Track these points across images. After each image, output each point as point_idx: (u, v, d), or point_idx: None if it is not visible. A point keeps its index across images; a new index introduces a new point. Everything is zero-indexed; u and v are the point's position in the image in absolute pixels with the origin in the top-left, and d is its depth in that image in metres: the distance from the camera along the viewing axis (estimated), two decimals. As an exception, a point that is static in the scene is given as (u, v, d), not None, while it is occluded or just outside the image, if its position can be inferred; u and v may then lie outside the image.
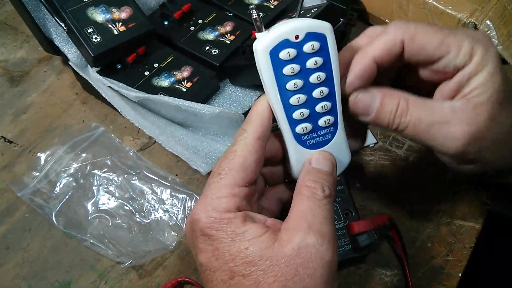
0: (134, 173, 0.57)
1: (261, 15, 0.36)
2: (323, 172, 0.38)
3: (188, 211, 0.55)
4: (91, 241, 0.53)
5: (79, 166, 0.58)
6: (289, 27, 0.36)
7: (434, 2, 0.63)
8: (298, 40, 0.36)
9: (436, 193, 0.57)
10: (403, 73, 0.43)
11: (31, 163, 0.59)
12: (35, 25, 0.61)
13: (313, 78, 0.37)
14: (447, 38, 0.37)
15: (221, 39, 0.64)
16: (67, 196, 0.56)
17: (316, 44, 0.36)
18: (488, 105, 0.37)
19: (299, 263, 0.33)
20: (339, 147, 0.40)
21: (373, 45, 0.39)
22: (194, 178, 0.58)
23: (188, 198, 0.56)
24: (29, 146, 0.61)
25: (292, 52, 0.36)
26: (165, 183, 0.57)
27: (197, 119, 0.57)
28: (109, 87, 0.58)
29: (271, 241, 0.34)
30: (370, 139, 0.61)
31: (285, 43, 0.36)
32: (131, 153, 0.59)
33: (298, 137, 0.39)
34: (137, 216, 0.55)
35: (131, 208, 0.56)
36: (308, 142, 0.39)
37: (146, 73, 0.61)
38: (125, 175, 0.57)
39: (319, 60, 0.37)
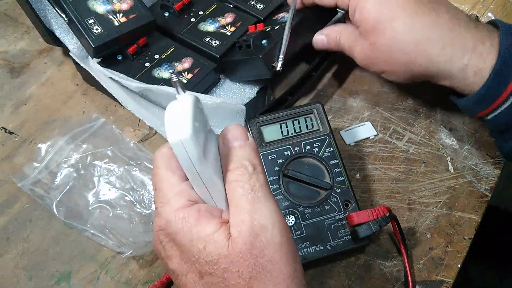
0: (134, 164, 0.58)
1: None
2: (241, 147, 0.36)
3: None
4: (92, 231, 0.53)
5: (80, 157, 0.58)
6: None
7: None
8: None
9: (436, 185, 0.57)
10: None
11: (31, 154, 0.59)
12: (36, 16, 0.61)
13: None
14: None
15: (222, 30, 0.64)
16: (67, 187, 0.56)
17: None
18: (361, 35, 0.55)
19: (256, 254, 0.33)
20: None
21: None
22: (194, 169, 0.58)
23: (188, 189, 0.56)
24: (29, 137, 0.61)
25: None
26: (166, 174, 0.57)
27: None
28: (110, 78, 0.58)
29: (225, 238, 0.34)
30: (371, 131, 0.61)
31: None
32: (132, 144, 0.59)
33: None
34: (138, 206, 0.55)
35: (131, 198, 0.56)
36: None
37: (147, 64, 0.61)
38: (126, 166, 0.57)
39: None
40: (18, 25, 0.71)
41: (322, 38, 0.59)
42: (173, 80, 0.33)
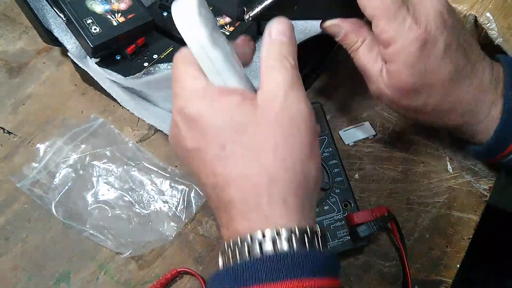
0: (133, 164, 0.57)
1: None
2: (285, 43, 0.38)
3: (188, 202, 0.55)
4: (91, 231, 0.53)
5: (79, 157, 0.58)
6: None
7: (434, -6, 0.63)
8: None
9: (435, 185, 0.57)
10: None
11: (30, 154, 0.59)
12: (34, 16, 0.60)
13: None
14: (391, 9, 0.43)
15: (221, 30, 0.64)
16: (66, 187, 0.56)
17: None
18: (397, 90, 0.46)
19: (285, 122, 0.34)
20: None
21: None
22: (193, 170, 0.58)
23: (187, 189, 0.56)
24: (28, 137, 0.61)
25: None
26: (165, 174, 0.57)
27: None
28: (108, 78, 0.58)
29: (253, 108, 0.35)
30: (370, 131, 0.61)
31: None
32: (131, 144, 0.59)
33: None
34: (137, 207, 0.55)
35: (130, 199, 0.56)
36: None
37: (146, 64, 0.61)
38: (125, 166, 0.57)
39: None
40: (16, 24, 0.71)
41: (338, 29, 0.48)
42: None
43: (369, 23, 0.47)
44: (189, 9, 0.36)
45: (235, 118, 0.35)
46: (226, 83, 0.37)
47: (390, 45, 0.44)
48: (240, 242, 0.33)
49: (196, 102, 0.36)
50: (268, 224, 0.33)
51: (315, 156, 0.36)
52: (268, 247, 0.32)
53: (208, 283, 0.35)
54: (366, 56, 0.48)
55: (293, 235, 0.32)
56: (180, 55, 0.38)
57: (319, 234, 0.34)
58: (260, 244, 0.32)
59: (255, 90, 0.38)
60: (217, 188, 0.35)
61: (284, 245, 0.32)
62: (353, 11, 0.47)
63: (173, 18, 0.36)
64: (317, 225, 0.35)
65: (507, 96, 0.48)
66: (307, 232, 0.33)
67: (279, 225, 0.33)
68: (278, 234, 0.32)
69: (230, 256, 0.33)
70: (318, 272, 0.32)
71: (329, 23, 0.49)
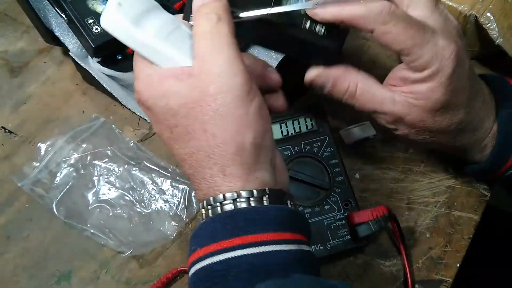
0: (134, 164, 0.58)
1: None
2: (204, 5, 0.38)
3: (188, 201, 0.56)
4: (92, 231, 0.54)
5: (80, 157, 0.58)
6: None
7: (434, -6, 0.63)
8: None
9: (435, 184, 0.57)
10: None
11: (31, 154, 0.59)
12: (36, 15, 0.61)
13: None
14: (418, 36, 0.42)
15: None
16: (67, 186, 0.56)
17: None
18: (425, 111, 0.45)
19: (210, 98, 0.36)
20: None
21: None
22: (194, 169, 0.58)
23: (188, 188, 0.56)
24: (29, 136, 0.61)
25: None
26: (166, 173, 0.57)
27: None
28: (109, 77, 0.59)
29: (188, 87, 0.37)
30: (370, 131, 0.61)
31: None
32: (132, 144, 0.59)
33: None
34: (138, 206, 0.55)
35: (131, 198, 0.56)
36: None
37: (147, 64, 0.61)
38: (126, 166, 0.57)
39: None
40: (17, 24, 0.71)
41: (324, 80, 0.46)
42: None
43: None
44: (108, 6, 0.38)
45: (173, 101, 0.37)
46: (169, 59, 0.39)
47: (427, 68, 0.43)
48: (201, 206, 0.38)
49: (145, 92, 0.39)
50: (214, 192, 0.37)
51: (249, 121, 0.36)
52: (217, 211, 0.36)
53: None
54: (368, 97, 0.46)
55: (237, 199, 0.35)
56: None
57: (267, 191, 0.36)
58: (212, 208, 0.36)
59: None
60: (180, 165, 0.40)
61: (228, 207, 0.36)
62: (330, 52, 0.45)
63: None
64: (272, 182, 0.38)
65: (501, 113, 0.49)
66: (253, 192, 0.36)
67: (222, 192, 0.36)
68: (225, 198, 0.36)
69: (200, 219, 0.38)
70: (264, 224, 0.35)
71: (312, 74, 0.46)
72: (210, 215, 0.36)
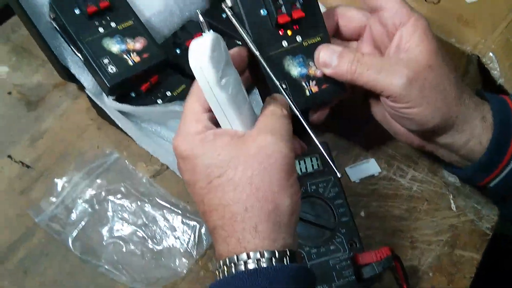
0: (147, 200, 0.60)
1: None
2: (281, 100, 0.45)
3: (199, 238, 0.57)
4: (106, 267, 0.56)
5: (94, 193, 0.60)
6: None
7: (437, 34, 0.65)
8: None
9: (438, 223, 0.59)
10: None
11: (48, 188, 0.61)
12: (51, 53, 0.63)
13: None
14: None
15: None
16: (82, 223, 0.58)
17: None
18: (425, 54, 0.48)
19: (262, 157, 0.39)
20: None
21: None
22: (204, 205, 0.60)
23: (198, 225, 0.58)
24: (45, 171, 0.63)
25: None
26: (177, 210, 0.59)
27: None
28: (123, 114, 0.61)
29: (239, 145, 0.40)
30: (375, 168, 0.63)
31: None
32: (144, 180, 0.61)
33: None
34: (150, 242, 0.57)
35: (144, 234, 0.58)
36: None
37: (159, 101, 0.63)
38: (138, 202, 0.60)
39: None
40: (33, 57, 0.74)
41: (330, 52, 0.49)
42: (200, 20, 0.40)
43: None
44: (202, 51, 0.39)
45: (220, 157, 0.40)
46: (228, 120, 0.42)
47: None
48: (222, 263, 0.39)
49: (191, 143, 0.41)
50: (240, 249, 0.38)
51: (289, 188, 0.40)
52: (241, 268, 0.38)
53: None
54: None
55: (260, 257, 0.37)
56: (195, 88, 0.43)
57: (288, 253, 0.39)
58: (235, 265, 0.38)
59: (255, 118, 0.44)
60: (205, 215, 0.42)
61: (251, 266, 0.37)
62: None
63: (189, 57, 0.40)
64: (292, 245, 0.40)
65: (494, 106, 0.52)
66: (275, 253, 0.38)
67: (249, 250, 0.38)
68: (249, 257, 0.38)
69: (218, 274, 0.40)
70: (284, 283, 0.37)
71: (318, 51, 0.50)
72: (233, 272, 0.38)
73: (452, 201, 0.60)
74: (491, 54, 0.63)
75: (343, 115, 0.67)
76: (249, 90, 0.64)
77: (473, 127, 0.51)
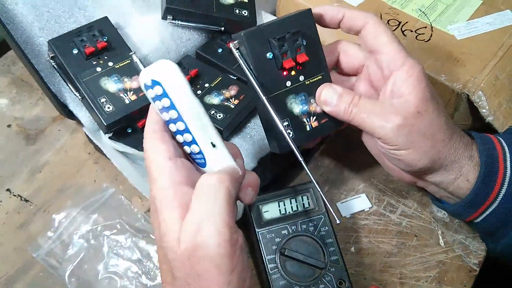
0: (141, 236, 0.61)
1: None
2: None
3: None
4: (101, 302, 0.57)
5: (91, 228, 0.62)
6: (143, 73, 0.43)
7: (428, 72, 0.66)
8: (149, 85, 0.42)
9: (427, 259, 0.60)
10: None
11: (45, 223, 0.63)
12: (49, 90, 0.64)
13: (168, 115, 0.43)
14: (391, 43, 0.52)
15: (226, 103, 0.67)
16: (78, 258, 0.59)
17: (159, 89, 0.42)
18: (416, 101, 0.50)
19: (194, 262, 0.39)
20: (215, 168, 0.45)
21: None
22: (198, 241, 0.61)
23: (192, 261, 0.59)
24: (43, 205, 0.64)
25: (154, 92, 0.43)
26: (171, 245, 0.60)
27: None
28: (120, 153, 0.62)
29: (177, 243, 0.40)
30: (366, 203, 0.64)
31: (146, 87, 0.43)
32: (139, 215, 0.63)
33: (191, 155, 0.45)
34: (144, 278, 0.59)
35: (138, 270, 0.59)
36: (197, 161, 0.45)
37: (155, 137, 0.64)
38: (133, 238, 0.61)
39: (165, 101, 0.42)
40: (33, 90, 0.75)
41: (331, 92, 0.54)
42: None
43: None
44: (169, 64, 0.42)
45: (168, 254, 0.41)
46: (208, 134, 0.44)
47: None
48: None
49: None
50: None
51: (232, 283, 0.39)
52: None
53: None
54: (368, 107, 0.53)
55: None
56: (149, 138, 0.44)
57: None
58: None
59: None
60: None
61: None
62: None
63: (156, 76, 0.42)
64: None
65: (480, 146, 0.54)
66: None
67: None
68: None
69: None
70: None
71: (320, 89, 0.54)
72: None
73: (440, 237, 0.62)
74: (480, 92, 0.64)
75: (335, 151, 0.69)
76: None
77: (461, 166, 0.53)
